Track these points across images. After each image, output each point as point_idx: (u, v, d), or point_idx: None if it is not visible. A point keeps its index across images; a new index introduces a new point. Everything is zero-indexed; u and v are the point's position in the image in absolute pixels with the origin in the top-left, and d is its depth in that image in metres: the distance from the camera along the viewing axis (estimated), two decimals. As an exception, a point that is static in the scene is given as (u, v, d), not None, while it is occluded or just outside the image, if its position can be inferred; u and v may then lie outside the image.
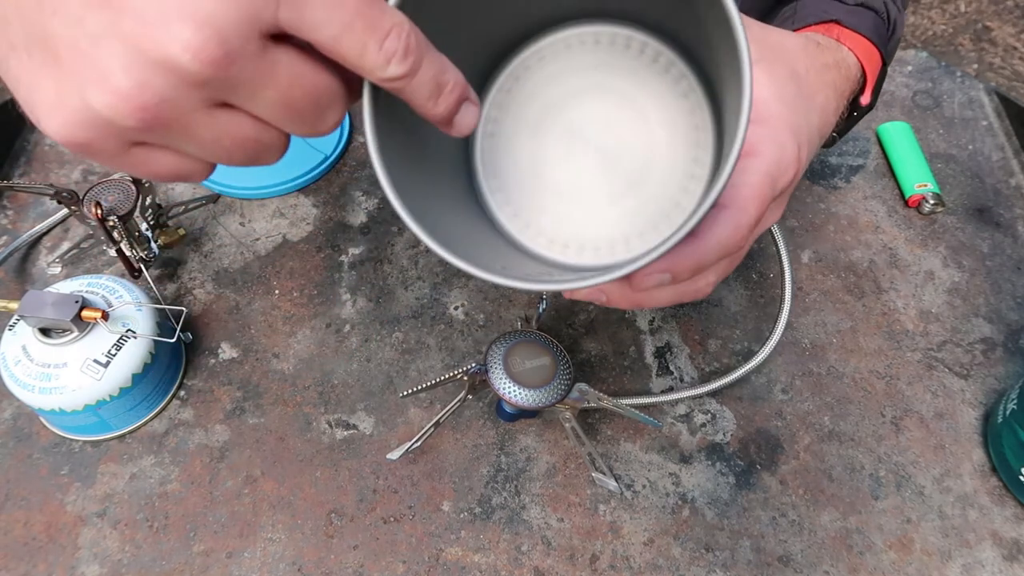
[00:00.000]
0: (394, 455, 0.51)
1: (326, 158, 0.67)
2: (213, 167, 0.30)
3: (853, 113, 0.49)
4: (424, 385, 0.51)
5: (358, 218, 0.65)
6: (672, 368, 0.57)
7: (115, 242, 0.54)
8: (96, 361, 0.49)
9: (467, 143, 0.37)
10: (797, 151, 0.36)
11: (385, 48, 0.27)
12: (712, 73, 0.33)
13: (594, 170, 0.36)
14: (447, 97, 0.30)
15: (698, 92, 0.35)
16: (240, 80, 0.26)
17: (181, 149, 0.28)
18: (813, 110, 0.40)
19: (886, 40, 0.49)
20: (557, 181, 0.36)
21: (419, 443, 0.52)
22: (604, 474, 0.51)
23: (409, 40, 0.27)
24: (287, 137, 0.30)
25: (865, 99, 0.48)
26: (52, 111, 0.27)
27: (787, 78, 0.38)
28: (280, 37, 0.26)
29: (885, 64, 0.49)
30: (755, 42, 0.31)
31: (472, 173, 0.37)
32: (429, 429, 0.51)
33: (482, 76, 0.37)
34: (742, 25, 0.27)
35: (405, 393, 0.52)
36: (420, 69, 0.28)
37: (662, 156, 0.35)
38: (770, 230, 0.55)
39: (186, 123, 0.27)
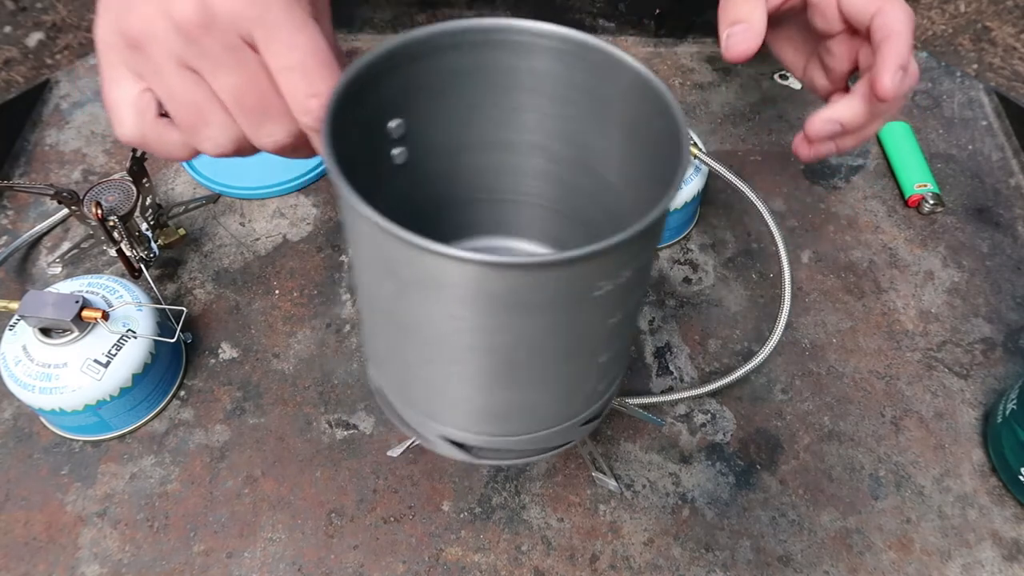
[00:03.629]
0: (394, 452, 0.51)
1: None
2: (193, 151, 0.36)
3: None
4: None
5: (358, 218, 0.65)
6: (672, 368, 0.57)
7: (115, 242, 0.54)
8: (96, 361, 0.49)
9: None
10: None
11: (307, 103, 0.33)
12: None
13: None
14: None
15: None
16: (209, 53, 0.32)
17: (155, 88, 0.35)
18: None
19: None
20: None
21: (419, 441, 0.52)
22: (604, 474, 0.51)
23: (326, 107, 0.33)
24: (233, 134, 0.35)
25: None
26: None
27: None
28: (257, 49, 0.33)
29: None
30: None
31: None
32: None
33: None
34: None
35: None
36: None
37: None
38: (770, 230, 0.55)
39: (161, 62, 0.33)
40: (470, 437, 0.38)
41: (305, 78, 0.33)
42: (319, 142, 0.32)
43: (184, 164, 0.67)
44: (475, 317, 0.30)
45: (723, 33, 0.45)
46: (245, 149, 0.36)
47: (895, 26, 0.44)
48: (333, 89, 0.32)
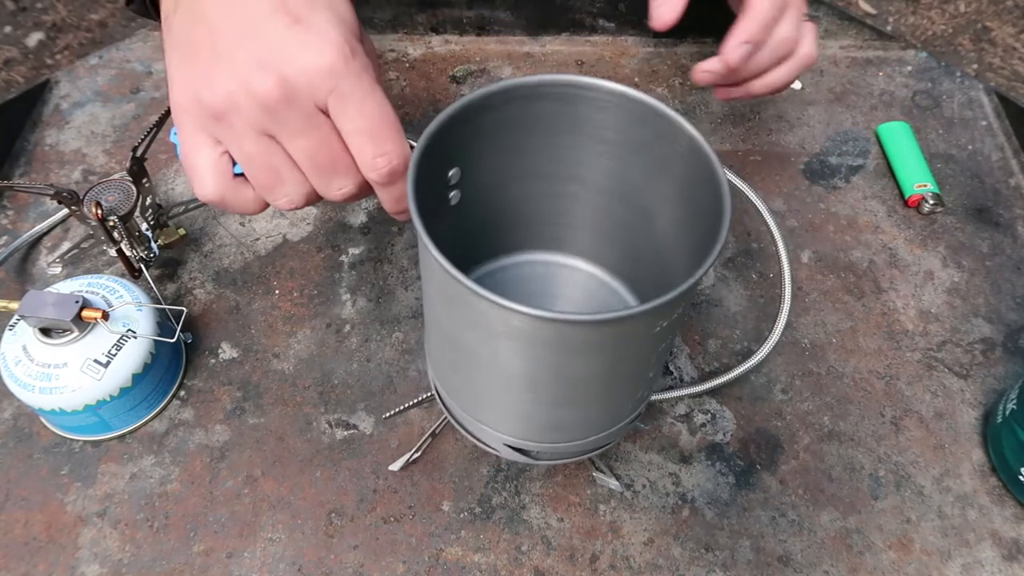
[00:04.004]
0: (396, 466, 0.52)
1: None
2: (264, 204, 0.41)
3: None
4: (405, 406, 0.53)
5: (358, 218, 0.65)
6: (672, 368, 0.57)
7: (115, 242, 0.54)
8: (96, 361, 0.49)
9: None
10: None
11: (375, 162, 0.37)
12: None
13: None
14: (399, 210, 0.42)
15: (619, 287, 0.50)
16: (287, 122, 0.36)
17: (234, 153, 0.38)
18: None
19: None
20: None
21: (419, 453, 0.52)
22: (604, 473, 0.51)
23: (393, 165, 0.38)
24: (306, 190, 0.39)
25: None
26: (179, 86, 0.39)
27: None
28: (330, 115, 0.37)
29: None
30: None
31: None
32: (427, 439, 0.52)
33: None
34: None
35: (388, 414, 0.53)
36: (391, 186, 0.39)
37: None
38: (770, 230, 0.55)
39: (241, 131, 0.37)
40: (531, 444, 0.43)
41: (372, 140, 0.37)
42: (382, 192, 0.38)
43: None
44: (546, 358, 0.35)
45: (651, 3, 0.53)
46: (314, 200, 0.40)
47: (754, 2, 0.52)
48: (411, 159, 0.35)
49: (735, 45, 0.52)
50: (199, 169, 0.38)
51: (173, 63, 0.38)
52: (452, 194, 0.42)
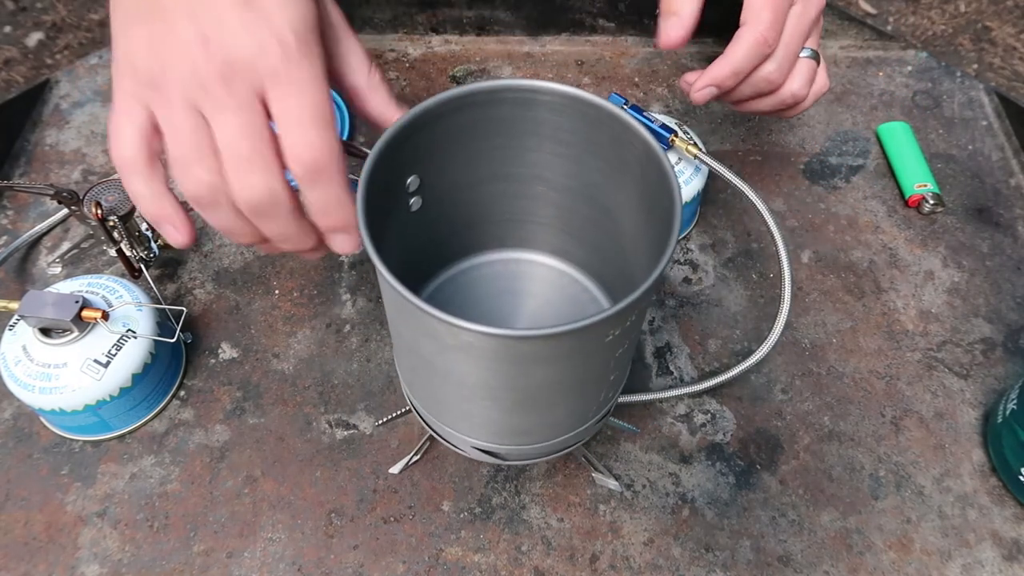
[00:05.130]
0: (395, 469, 0.52)
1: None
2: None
3: None
4: (395, 414, 0.54)
5: (358, 218, 0.65)
6: (672, 368, 0.57)
7: (115, 242, 0.54)
8: (96, 361, 0.49)
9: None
10: None
11: (300, 151, 0.35)
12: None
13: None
14: (329, 225, 0.39)
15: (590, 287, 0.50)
16: (219, 100, 0.35)
17: (160, 119, 0.37)
18: None
19: None
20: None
21: (418, 456, 0.52)
22: (603, 474, 0.51)
23: (316, 157, 0.36)
24: (214, 179, 0.36)
25: None
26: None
27: None
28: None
29: None
30: None
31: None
32: (426, 441, 0.52)
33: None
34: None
35: (380, 422, 0.54)
36: (314, 185, 0.37)
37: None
38: (770, 230, 0.55)
39: (175, 101, 0.36)
40: (498, 447, 0.43)
41: (301, 128, 0.35)
42: (308, 193, 0.36)
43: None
44: (499, 368, 0.36)
45: (660, 22, 0.51)
46: (217, 203, 0.37)
47: (742, 34, 0.50)
48: (363, 170, 0.35)
49: (700, 86, 0.52)
50: (122, 130, 0.37)
51: (117, 24, 0.38)
52: (412, 200, 0.42)
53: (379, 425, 0.54)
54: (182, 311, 0.55)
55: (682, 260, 0.63)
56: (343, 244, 0.39)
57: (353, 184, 0.36)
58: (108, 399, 0.50)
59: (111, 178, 0.57)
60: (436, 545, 0.50)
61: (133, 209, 0.55)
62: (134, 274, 0.56)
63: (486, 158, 0.43)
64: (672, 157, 0.58)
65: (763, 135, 0.72)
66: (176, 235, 0.39)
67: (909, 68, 0.77)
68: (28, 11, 1.66)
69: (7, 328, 0.51)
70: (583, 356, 0.36)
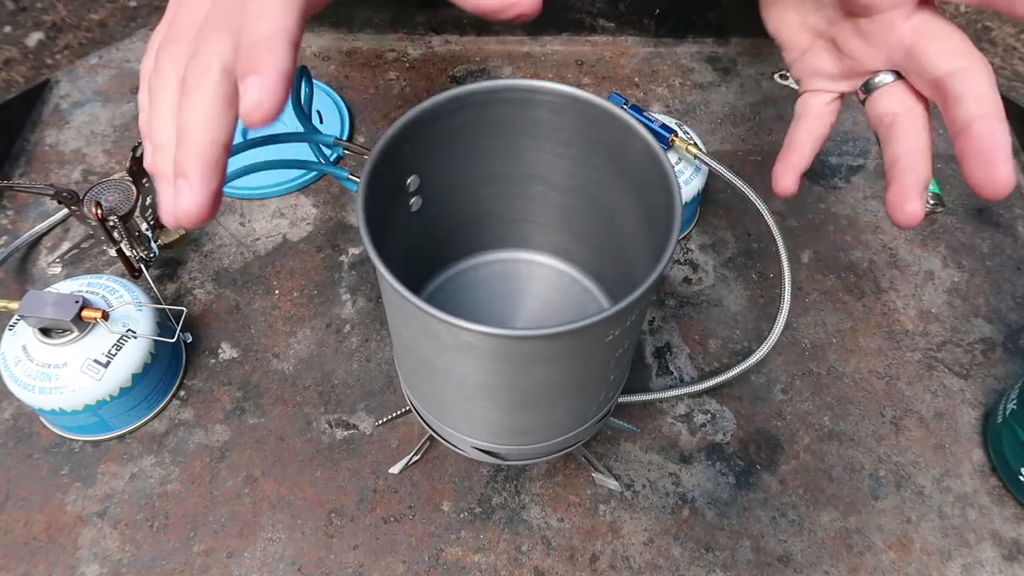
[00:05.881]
0: (396, 469, 0.52)
1: (327, 159, 0.67)
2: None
3: None
4: (395, 414, 0.54)
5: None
6: (672, 368, 0.57)
7: (115, 242, 0.54)
8: (96, 361, 0.49)
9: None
10: None
11: (257, 43, 0.30)
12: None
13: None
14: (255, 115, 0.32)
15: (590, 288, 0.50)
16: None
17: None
18: None
19: None
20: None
21: (418, 456, 0.52)
22: (603, 474, 0.51)
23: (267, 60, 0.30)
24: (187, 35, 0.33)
25: None
26: None
27: None
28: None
29: None
30: None
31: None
32: (426, 441, 0.52)
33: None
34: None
35: (380, 422, 0.53)
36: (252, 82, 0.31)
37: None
38: (770, 230, 0.55)
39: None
40: (498, 447, 0.43)
41: (256, 15, 0.31)
42: (245, 93, 0.31)
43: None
44: (499, 368, 0.36)
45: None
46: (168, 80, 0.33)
47: (971, 109, 0.34)
48: (364, 171, 0.35)
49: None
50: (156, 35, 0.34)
51: None
52: (413, 200, 0.43)
53: (379, 425, 0.54)
54: (182, 311, 0.55)
55: (682, 260, 0.63)
56: (253, 89, 0.30)
57: (353, 184, 0.36)
58: (108, 399, 0.50)
59: (111, 178, 0.57)
60: (436, 545, 0.50)
61: (133, 209, 0.55)
62: (134, 274, 0.56)
63: (486, 158, 0.43)
64: (672, 157, 0.58)
65: (763, 135, 0.72)
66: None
67: (909, 68, 0.77)
68: (28, 11, 1.66)
69: (7, 328, 0.51)
70: (583, 356, 0.36)
